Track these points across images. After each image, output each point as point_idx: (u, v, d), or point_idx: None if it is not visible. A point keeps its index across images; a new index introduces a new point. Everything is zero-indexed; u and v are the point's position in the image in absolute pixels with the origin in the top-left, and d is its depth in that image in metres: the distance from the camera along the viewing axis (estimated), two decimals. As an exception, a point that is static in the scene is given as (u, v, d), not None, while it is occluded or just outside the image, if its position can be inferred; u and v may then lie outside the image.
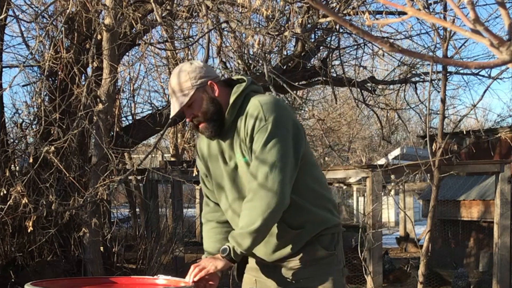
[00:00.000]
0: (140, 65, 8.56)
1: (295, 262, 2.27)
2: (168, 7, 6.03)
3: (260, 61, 7.01)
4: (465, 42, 5.75)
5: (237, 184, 2.28)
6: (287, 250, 2.25)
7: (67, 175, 5.06)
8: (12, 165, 5.43)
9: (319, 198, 2.28)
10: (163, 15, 5.73)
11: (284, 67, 7.05)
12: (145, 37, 6.50)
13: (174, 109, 2.27)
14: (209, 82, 2.27)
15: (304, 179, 2.23)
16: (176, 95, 2.27)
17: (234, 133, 2.26)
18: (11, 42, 18.39)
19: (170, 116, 2.36)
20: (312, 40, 6.70)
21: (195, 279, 2.13)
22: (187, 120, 2.32)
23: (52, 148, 4.79)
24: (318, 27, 6.52)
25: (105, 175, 4.94)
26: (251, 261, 2.38)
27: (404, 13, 0.92)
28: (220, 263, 2.16)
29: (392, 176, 6.43)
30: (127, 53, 7.04)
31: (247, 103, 2.24)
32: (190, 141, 12.38)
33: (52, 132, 5.04)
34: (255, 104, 2.20)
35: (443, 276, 7.57)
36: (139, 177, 8.25)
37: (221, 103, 2.27)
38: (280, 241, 2.25)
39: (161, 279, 2.28)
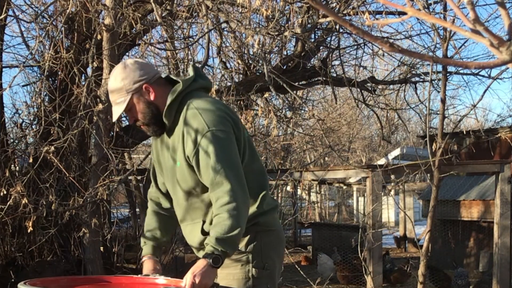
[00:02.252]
0: (140, 65, 8.54)
1: None
2: (168, 7, 6.03)
3: (260, 61, 7.02)
4: (465, 42, 5.75)
5: (174, 180, 2.31)
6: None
7: (67, 175, 5.06)
8: (12, 165, 5.43)
9: None
10: (163, 15, 5.74)
11: (284, 67, 7.05)
12: (145, 37, 6.50)
13: (115, 116, 2.30)
14: (144, 86, 2.25)
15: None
16: (114, 102, 2.28)
17: (175, 135, 2.27)
18: (11, 42, 18.40)
19: (112, 121, 2.39)
20: (312, 40, 6.70)
21: None
22: (130, 122, 2.36)
23: (52, 148, 4.80)
24: (318, 27, 6.52)
25: (105, 175, 4.94)
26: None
27: (404, 13, 0.92)
28: (214, 274, 2.11)
29: (392, 176, 6.43)
30: (127, 53, 7.03)
31: (184, 105, 2.23)
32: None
33: (52, 132, 5.04)
34: (194, 113, 2.18)
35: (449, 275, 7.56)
36: (139, 177, 8.25)
37: (159, 106, 2.26)
38: (197, 241, 2.32)
39: (161, 279, 2.28)
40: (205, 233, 2.27)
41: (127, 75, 2.24)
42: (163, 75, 2.33)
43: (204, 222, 2.28)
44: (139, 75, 2.25)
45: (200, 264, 2.07)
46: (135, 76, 2.25)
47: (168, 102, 2.22)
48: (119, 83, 2.24)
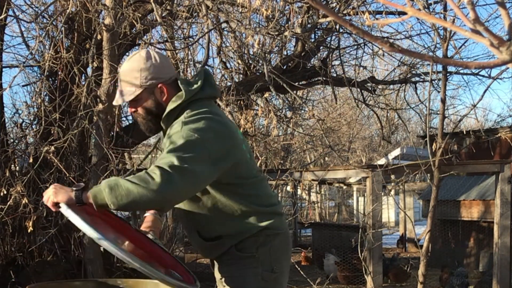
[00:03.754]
0: (140, 65, 8.54)
1: (219, 261, 2.31)
2: (168, 7, 6.03)
3: (260, 61, 7.02)
4: (465, 42, 5.76)
5: None
6: (209, 255, 2.34)
7: (67, 175, 5.06)
8: (12, 165, 5.42)
9: (240, 210, 2.22)
10: (163, 15, 5.73)
11: (284, 67, 7.05)
12: (145, 37, 6.50)
13: (117, 101, 2.24)
14: (159, 85, 2.20)
15: (223, 195, 2.20)
16: (122, 86, 2.22)
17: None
18: (11, 42, 18.33)
19: (113, 103, 2.31)
20: (312, 40, 6.70)
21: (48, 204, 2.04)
22: (129, 109, 2.30)
23: (52, 148, 4.79)
24: (318, 27, 6.52)
25: (105, 175, 4.94)
26: None
27: (404, 13, 0.92)
28: (64, 196, 2.01)
29: (392, 176, 6.44)
30: (127, 53, 7.03)
31: (182, 113, 2.17)
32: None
33: (52, 132, 5.04)
34: (181, 120, 2.13)
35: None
36: (139, 177, 8.23)
37: (165, 108, 2.21)
38: (200, 248, 2.34)
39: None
40: (207, 239, 2.27)
41: (147, 67, 2.19)
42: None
43: (198, 232, 2.28)
44: (158, 71, 2.20)
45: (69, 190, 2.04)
46: (154, 72, 2.19)
47: (168, 110, 2.18)
48: (136, 72, 2.19)
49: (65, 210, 1.99)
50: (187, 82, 2.23)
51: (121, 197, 1.95)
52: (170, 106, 2.18)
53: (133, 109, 2.26)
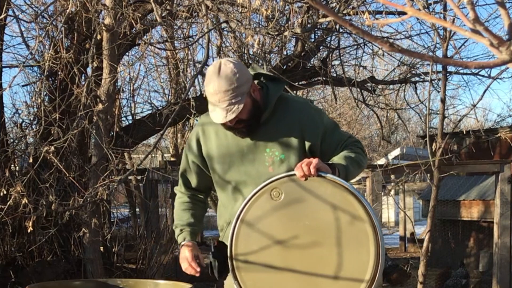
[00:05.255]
0: (140, 65, 8.54)
1: None
2: (168, 7, 6.03)
3: (260, 61, 7.01)
4: (465, 42, 5.73)
5: (250, 177, 2.28)
6: None
7: (67, 175, 5.05)
8: (12, 165, 5.42)
9: None
10: (163, 15, 5.73)
11: (284, 67, 7.05)
12: (145, 37, 6.50)
13: (224, 118, 2.13)
14: (252, 85, 2.19)
15: None
16: (226, 100, 2.11)
17: (269, 129, 2.25)
18: (11, 42, 18.24)
19: (218, 121, 2.16)
20: (312, 40, 6.70)
21: (311, 170, 2.08)
22: (230, 124, 2.18)
23: (52, 148, 4.79)
24: (318, 27, 6.52)
25: (105, 175, 4.94)
26: None
27: (404, 13, 0.92)
28: (324, 165, 2.12)
29: (392, 176, 6.43)
30: (127, 53, 7.03)
31: (280, 102, 2.25)
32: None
33: (52, 132, 5.03)
34: (315, 108, 2.42)
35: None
36: (139, 177, 8.24)
37: (260, 105, 2.23)
38: None
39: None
40: None
41: (241, 72, 2.14)
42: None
43: None
44: (248, 73, 2.20)
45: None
46: (247, 74, 2.18)
47: (275, 97, 2.24)
48: (236, 80, 2.11)
49: (332, 177, 2.13)
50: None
51: (358, 169, 2.30)
52: (274, 95, 2.26)
53: (236, 119, 2.16)
